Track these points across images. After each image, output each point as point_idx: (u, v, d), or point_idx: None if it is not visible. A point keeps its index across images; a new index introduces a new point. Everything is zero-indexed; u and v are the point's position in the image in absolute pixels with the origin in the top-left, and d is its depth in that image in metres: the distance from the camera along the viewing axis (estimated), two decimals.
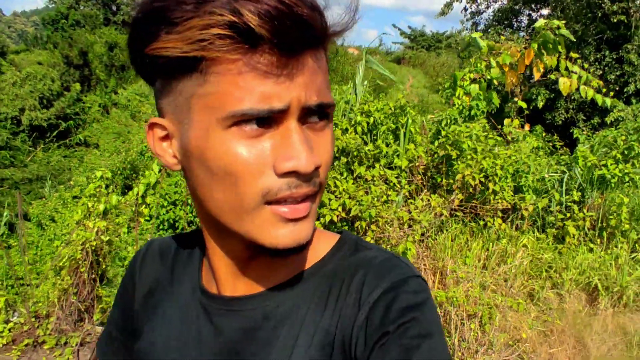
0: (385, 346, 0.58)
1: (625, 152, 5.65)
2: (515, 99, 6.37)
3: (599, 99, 5.73)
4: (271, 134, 0.55)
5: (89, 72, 18.60)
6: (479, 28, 17.73)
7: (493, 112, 5.96)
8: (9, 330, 3.97)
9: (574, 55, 5.65)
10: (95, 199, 4.33)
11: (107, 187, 4.58)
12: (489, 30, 16.44)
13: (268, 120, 0.55)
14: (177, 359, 0.71)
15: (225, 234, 0.63)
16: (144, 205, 4.16)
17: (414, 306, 0.60)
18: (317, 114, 0.57)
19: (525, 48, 5.29)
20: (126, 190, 8.52)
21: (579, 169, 5.60)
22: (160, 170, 4.13)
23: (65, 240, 4.59)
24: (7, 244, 7.16)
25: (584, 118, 13.10)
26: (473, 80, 5.73)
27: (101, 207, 4.13)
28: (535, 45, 5.13)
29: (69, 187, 10.51)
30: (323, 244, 0.71)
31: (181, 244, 0.81)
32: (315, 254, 0.70)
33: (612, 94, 6.14)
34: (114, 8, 34.32)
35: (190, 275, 0.76)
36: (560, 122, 13.09)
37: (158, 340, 0.74)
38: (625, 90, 12.65)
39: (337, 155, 4.35)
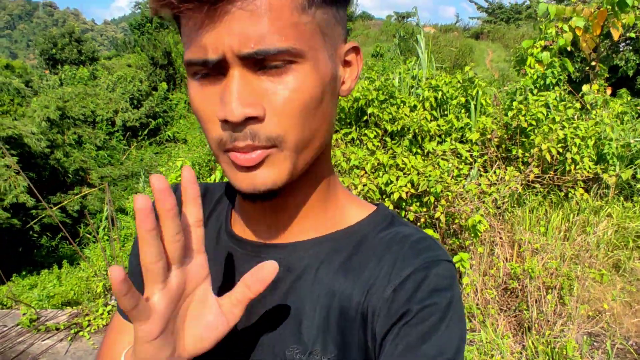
0: (405, 328, 0.58)
1: None
2: (593, 63, 6.02)
3: None
4: (222, 83, 0.56)
5: (174, 70, 19.46)
6: None
7: (577, 80, 5.67)
8: (108, 312, 4.30)
9: None
10: None
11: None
12: None
13: (217, 69, 0.56)
14: None
15: None
16: None
17: (440, 290, 0.60)
18: (274, 60, 0.54)
19: (598, 8, 4.99)
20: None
21: None
22: None
23: None
24: (108, 236, 7.70)
25: None
26: (544, 48, 5.50)
27: None
28: (609, 3, 4.83)
29: None
30: (357, 211, 0.72)
31: (218, 188, 0.82)
32: (348, 219, 0.71)
33: None
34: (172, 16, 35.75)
35: (221, 218, 0.77)
36: None
37: None
38: None
39: (404, 132, 4.35)
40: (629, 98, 6.09)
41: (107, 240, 7.35)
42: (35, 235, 10.98)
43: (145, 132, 16.03)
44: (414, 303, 0.59)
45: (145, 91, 16.42)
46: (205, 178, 9.71)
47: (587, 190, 4.84)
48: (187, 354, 0.59)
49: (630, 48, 11.84)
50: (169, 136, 16.38)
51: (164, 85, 17.35)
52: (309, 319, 0.64)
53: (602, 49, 6.12)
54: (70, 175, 12.06)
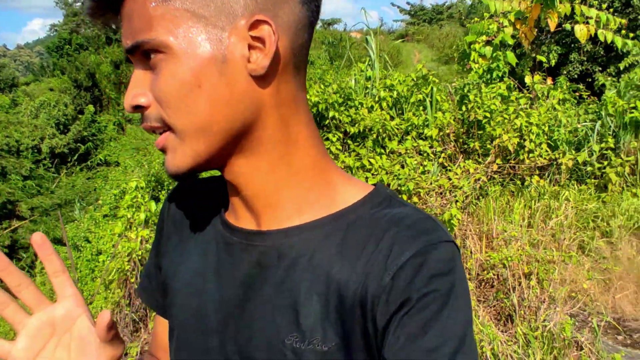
0: (406, 317, 0.57)
1: None
2: (533, 54, 6.25)
3: (619, 41, 5.56)
4: None
5: (99, 92, 18.77)
6: None
7: (515, 73, 5.84)
8: None
9: None
10: (134, 209, 4.37)
11: (142, 197, 4.62)
12: None
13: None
14: (197, 289, 0.72)
15: None
16: None
17: (441, 275, 0.58)
18: (150, 52, 0.59)
19: (532, 1, 5.18)
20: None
21: (609, 115, 5.50)
22: None
23: (109, 254, 4.63)
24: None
25: (600, 69, 12.85)
26: (487, 42, 5.65)
27: (142, 215, 4.17)
28: None
29: (98, 206, 10.62)
30: (353, 192, 0.69)
31: (211, 180, 0.83)
32: (342, 200, 0.68)
33: (636, 41, 5.98)
34: (114, 27, 34.61)
35: (214, 207, 0.77)
36: (576, 75, 12.87)
37: (182, 271, 0.76)
38: (637, 33, 12.38)
39: (365, 134, 4.32)
40: (567, 84, 6.36)
41: (44, 273, 6.92)
42: None
43: (75, 158, 15.33)
44: (413, 291, 0.57)
45: (71, 115, 15.71)
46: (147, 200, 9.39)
47: (541, 177, 4.99)
48: None
49: (553, 39, 12.49)
50: (100, 160, 15.73)
51: (91, 107, 16.66)
52: (307, 307, 0.63)
53: (538, 41, 6.37)
54: None
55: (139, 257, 4.14)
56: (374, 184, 0.71)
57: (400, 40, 22.38)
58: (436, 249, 0.59)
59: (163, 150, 0.63)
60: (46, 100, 15.33)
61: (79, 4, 33.59)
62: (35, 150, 14.07)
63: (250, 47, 0.59)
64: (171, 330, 0.77)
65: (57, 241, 10.41)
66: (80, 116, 16.29)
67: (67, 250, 4.54)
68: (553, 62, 11.93)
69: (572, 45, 12.48)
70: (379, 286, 0.59)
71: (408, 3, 32.19)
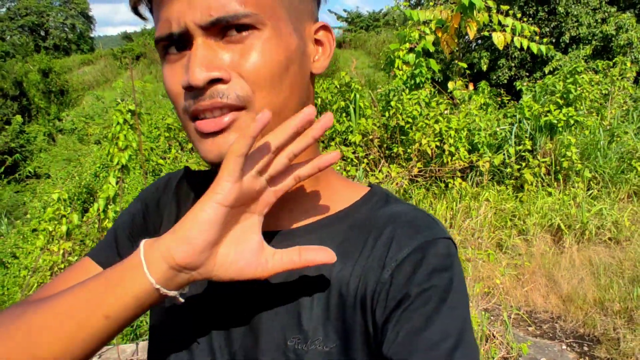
0: (405, 313, 0.57)
1: (565, 97, 5.85)
2: (456, 61, 6.50)
3: (534, 47, 5.91)
4: (187, 56, 0.58)
5: (27, 101, 18.01)
6: (412, 1, 17.93)
7: (439, 79, 6.05)
8: None
9: (504, 7, 5.80)
10: (56, 221, 4.25)
11: (65, 209, 4.49)
12: (422, 1, 16.65)
13: (183, 43, 0.58)
14: (199, 291, 0.69)
15: None
16: (107, 220, 4.08)
17: (439, 270, 0.59)
18: (233, 27, 0.56)
19: (452, 11, 5.40)
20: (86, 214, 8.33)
21: (526, 119, 5.78)
22: (117, 183, 4.07)
23: (31, 268, 4.48)
24: None
25: (527, 74, 13.42)
26: (410, 50, 5.83)
27: (63, 228, 4.06)
28: (459, 5, 5.24)
29: (27, 220, 10.20)
30: (350, 193, 0.70)
31: (210, 176, 0.79)
32: (341, 202, 0.69)
33: (550, 46, 6.33)
34: (42, 33, 33.20)
35: None
36: (505, 80, 13.38)
37: None
38: (561, 40, 13.03)
39: None
40: (488, 89, 6.62)
41: None
42: None
43: (1, 170, 14.65)
44: (413, 286, 0.57)
45: None
46: (78, 212, 9.09)
47: (464, 179, 5.19)
48: (208, 270, 0.56)
49: (483, 46, 12.95)
50: (29, 172, 15.07)
51: (19, 118, 15.97)
52: (308, 308, 0.63)
53: (459, 49, 6.63)
54: None
55: (61, 270, 4.02)
56: (369, 185, 0.72)
57: (336, 47, 22.63)
58: (435, 245, 0.60)
59: (220, 131, 0.57)
60: None
61: (3, 10, 32.13)
62: None
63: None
64: (160, 328, 0.73)
65: None
66: (6, 127, 15.60)
67: None
68: (484, 68, 12.38)
69: (501, 51, 13.01)
70: (378, 282, 0.59)
71: (345, 10, 32.63)
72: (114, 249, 0.77)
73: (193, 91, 0.56)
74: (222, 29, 0.56)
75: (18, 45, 21.14)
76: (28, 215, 10.27)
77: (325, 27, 0.66)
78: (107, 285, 0.56)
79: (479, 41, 13.37)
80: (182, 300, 0.58)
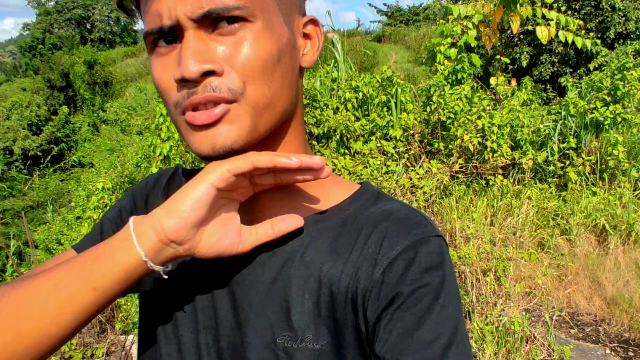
0: (398, 312, 0.57)
1: (612, 93, 5.68)
2: (498, 56, 6.37)
3: (579, 41, 5.74)
4: (178, 49, 0.58)
5: (73, 92, 18.51)
6: None
7: (479, 75, 5.95)
8: None
9: (548, 0, 5.66)
10: (100, 210, 4.37)
11: (108, 198, 4.61)
12: None
13: (173, 36, 0.58)
14: (188, 283, 0.70)
15: None
16: None
17: (431, 268, 0.58)
18: (224, 19, 0.56)
19: (495, 5, 5.30)
20: None
21: (571, 116, 5.63)
22: None
23: None
24: (18, 273, 7.17)
25: (571, 70, 13.08)
26: (452, 45, 5.75)
27: None
28: (502, 2, 5.13)
29: (71, 208, 10.52)
30: (341, 190, 0.70)
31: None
32: (331, 199, 0.69)
33: (598, 41, 6.15)
34: (88, 26, 34.06)
35: None
36: (547, 76, 13.07)
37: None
38: (606, 36, 12.64)
39: (330, 134, 4.37)
40: (531, 85, 6.48)
41: (17, 277, 6.85)
42: None
43: (48, 159, 15.12)
44: (404, 285, 0.57)
45: (44, 116, 15.49)
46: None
47: (505, 176, 5.10)
48: (193, 247, 0.59)
49: (525, 41, 12.67)
50: (74, 161, 15.54)
51: (65, 108, 16.44)
52: (299, 305, 0.62)
53: (500, 43, 6.51)
54: None
55: None
56: (360, 183, 0.72)
57: (376, 41, 22.52)
58: (426, 243, 0.60)
59: (212, 124, 0.57)
60: (18, 101, 15.11)
61: (51, 3, 33.10)
62: (7, 152, 13.86)
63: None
64: (151, 321, 0.74)
65: (27, 244, 10.28)
66: (53, 117, 16.07)
67: (32, 252, 4.51)
68: (525, 63, 12.12)
69: (544, 46, 12.70)
70: (370, 280, 0.59)
71: (385, 4, 32.38)
72: (98, 241, 0.76)
73: (186, 84, 0.56)
74: (213, 21, 0.56)
75: (65, 37, 21.73)
76: (72, 204, 10.60)
77: (313, 21, 0.67)
78: (96, 258, 0.58)
79: (521, 36, 13.08)
80: (165, 277, 0.60)
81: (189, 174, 0.81)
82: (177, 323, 0.70)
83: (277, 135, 0.64)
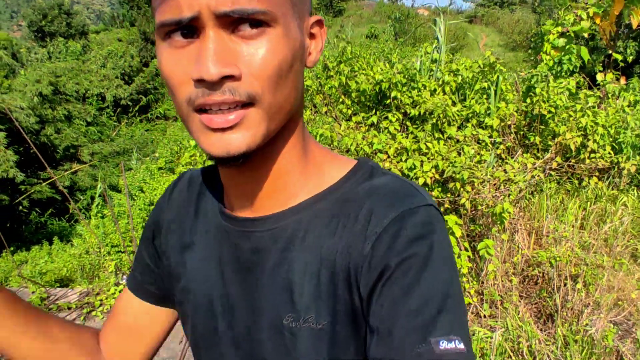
0: (387, 284, 0.58)
1: None
2: (609, 52, 6.00)
3: None
4: (195, 44, 0.56)
5: None
6: None
7: (587, 70, 5.62)
8: (119, 292, 4.25)
9: None
10: (192, 166, 4.52)
11: (200, 156, 4.75)
12: None
13: (191, 30, 0.56)
14: (205, 276, 0.75)
15: None
16: None
17: (418, 238, 0.59)
18: (247, 21, 0.55)
19: None
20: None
21: None
22: None
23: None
24: (102, 214, 7.58)
25: None
26: (561, 34, 5.46)
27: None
28: None
29: (154, 158, 10.96)
30: (337, 170, 0.71)
31: (210, 170, 0.84)
32: (328, 179, 0.70)
33: None
34: None
35: (212, 198, 0.79)
36: None
37: (188, 260, 0.78)
38: None
39: (425, 117, 4.29)
40: None
41: (101, 217, 7.25)
42: (24, 210, 10.77)
43: (136, 109, 15.78)
44: (392, 257, 0.58)
45: (136, 67, 16.12)
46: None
47: (600, 179, 4.85)
48: None
49: (631, 36, 11.91)
50: (160, 113, 16.16)
51: (156, 62, 17.02)
52: (301, 287, 0.64)
53: (617, 37, 6.12)
54: (59, 151, 11.83)
55: None
56: (357, 159, 0.73)
57: (467, 21, 21.78)
58: (414, 214, 0.61)
59: (228, 128, 0.57)
60: (114, 50, 15.77)
61: None
62: (100, 98, 14.55)
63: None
64: (185, 315, 0.80)
65: (113, 188, 10.85)
66: (144, 69, 16.69)
67: (126, 197, 4.74)
68: (630, 59, 11.39)
69: None
70: (360, 256, 0.61)
71: None
72: (145, 266, 0.87)
73: (202, 82, 0.55)
74: (234, 21, 0.55)
75: None
76: (156, 154, 11.05)
77: (319, 22, 0.67)
78: None
79: (625, 30, 12.28)
80: None
81: (205, 173, 0.84)
82: (198, 311, 0.76)
83: (281, 134, 0.66)
